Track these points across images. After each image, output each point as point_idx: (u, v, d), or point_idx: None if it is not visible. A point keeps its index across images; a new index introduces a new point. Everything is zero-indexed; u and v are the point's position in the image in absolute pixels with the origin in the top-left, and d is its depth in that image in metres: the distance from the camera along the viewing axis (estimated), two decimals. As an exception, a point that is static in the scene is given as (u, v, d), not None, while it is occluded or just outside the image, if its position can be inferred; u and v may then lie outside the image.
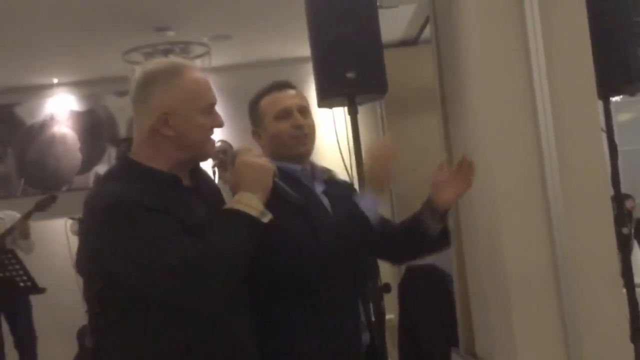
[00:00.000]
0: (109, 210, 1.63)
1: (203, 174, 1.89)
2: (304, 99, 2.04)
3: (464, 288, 2.98)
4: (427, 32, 5.34)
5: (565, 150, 2.28)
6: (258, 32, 5.17)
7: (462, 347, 3.02)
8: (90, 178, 6.18)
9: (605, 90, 2.71)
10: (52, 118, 6.22)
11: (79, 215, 4.88)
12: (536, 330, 2.29)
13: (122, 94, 6.14)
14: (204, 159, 1.83)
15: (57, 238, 5.70)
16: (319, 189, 2.02)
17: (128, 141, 4.76)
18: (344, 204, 1.97)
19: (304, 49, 5.80)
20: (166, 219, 1.62)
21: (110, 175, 1.79)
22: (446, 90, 2.95)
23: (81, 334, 5.43)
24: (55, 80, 6.12)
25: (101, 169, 6.20)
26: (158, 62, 1.83)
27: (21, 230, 4.65)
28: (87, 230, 1.71)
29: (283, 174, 1.86)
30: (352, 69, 2.50)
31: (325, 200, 2.01)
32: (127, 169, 1.75)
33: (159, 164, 1.73)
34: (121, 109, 6.21)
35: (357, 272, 2.00)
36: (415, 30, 5.44)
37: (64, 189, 6.19)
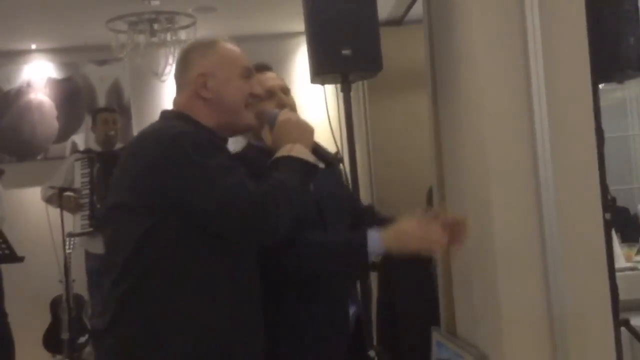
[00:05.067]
0: (180, 141, 1.65)
1: None
2: (283, 80, 2.13)
3: (446, 268, 3.00)
4: (413, 12, 5.36)
5: (558, 135, 2.30)
6: (243, 6, 5.12)
7: (443, 327, 3.05)
8: (67, 147, 6.10)
9: (594, 76, 2.74)
10: (28, 85, 6.10)
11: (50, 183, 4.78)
12: (522, 313, 2.32)
13: (102, 63, 6.04)
14: (241, 127, 1.88)
15: (32, 207, 5.63)
16: None
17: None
18: (329, 181, 2.05)
19: (290, 25, 5.83)
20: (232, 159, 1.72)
21: (167, 118, 1.81)
22: (437, 70, 2.95)
23: (55, 305, 5.40)
24: (34, 46, 5.99)
25: (78, 138, 6.12)
26: (195, 40, 1.96)
27: None
28: (150, 162, 1.66)
29: (259, 151, 1.95)
30: (347, 45, 2.49)
31: None
32: (181, 118, 1.78)
33: None
34: (100, 79, 6.12)
35: None
36: (401, 10, 5.43)
37: (39, 157, 6.10)
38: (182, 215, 1.63)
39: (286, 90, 2.08)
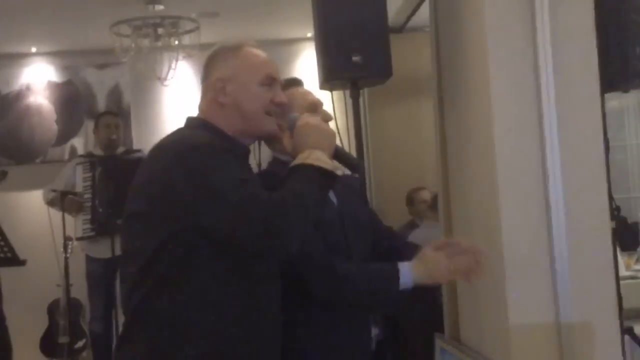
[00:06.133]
0: (195, 154, 1.63)
1: None
2: (315, 95, 2.12)
3: (451, 275, 3.01)
4: (414, 20, 5.38)
5: (567, 144, 2.31)
6: (246, 11, 5.13)
7: (447, 334, 3.05)
8: (66, 151, 6.08)
9: (601, 85, 2.75)
10: (28, 88, 6.08)
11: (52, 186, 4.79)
12: (529, 320, 2.32)
13: (102, 66, 6.04)
14: (262, 134, 1.84)
15: (30, 211, 5.62)
16: None
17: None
18: (353, 199, 2.09)
19: (293, 31, 5.84)
20: (249, 170, 1.69)
21: (190, 126, 1.79)
22: (443, 78, 2.96)
23: (52, 309, 5.38)
24: (34, 49, 5.98)
25: (77, 142, 6.11)
26: (222, 43, 1.87)
27: None
28: (166, 171, 1.65)
29: (285, 166, 1.90)
30: (357, 52, 2.50)
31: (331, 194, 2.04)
32: (203, 126, 1.77)
33: None
34: (100, 82, 6.11)
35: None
36: (402, 18, 5.44)
37: (38, 160, 6.08)
38: (195, 227, 1.62)
39: (320, 104, 2.07)
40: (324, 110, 2.03)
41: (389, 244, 2.13)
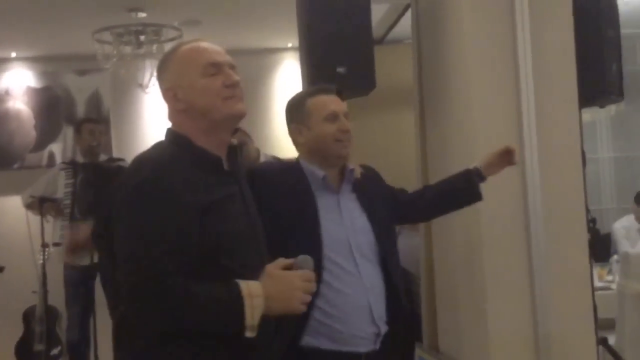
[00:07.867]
0: (134, 194, 1.62)
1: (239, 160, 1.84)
2: (345, 104, 2.17)
3: (430, 284, 3.05)
4: (395, 32, 5.43)
5: (546, 157, 2.37)
6: (228, 20, 5.14)
7: (425, 343, 3.09)
8: (44, 156, 6.02)
9: (578, 100, 2.81)
10: (7, 93, 6.02)
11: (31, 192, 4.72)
12: (508, 330, 2.37)
13: (82, 73, 6.00)
14: (229, 119, 1.75)
15: (6, 217, 5.57)
16: (346, 189, 2.15)
17: None
18: (376, 198, 2.20)
19: (273, 41, 5.87)
20: (186, 219, 1.59)
21: (162, 143, 1.76)
22: (425, 90, 3.01)
23: (27, 316, 5.32)
24: (13, 54, 5.94)
25: (55, 147, 6.05)
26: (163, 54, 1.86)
27: None
28: (117, 211, 1.66)
29: (310, 175, 2.09)
30: (342, 63, 2.53)
31: (353, 198, 2.14)
32: (173, 141, 1.74)
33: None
34: (80, 88, 6.06)
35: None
36: (383, 29, 5.50)
37: (15, 166, 6.02)
38: None
39: (347, 115, 2.13)
40: (344, 120, 2.11)
41: (428, 197, 2.34)
